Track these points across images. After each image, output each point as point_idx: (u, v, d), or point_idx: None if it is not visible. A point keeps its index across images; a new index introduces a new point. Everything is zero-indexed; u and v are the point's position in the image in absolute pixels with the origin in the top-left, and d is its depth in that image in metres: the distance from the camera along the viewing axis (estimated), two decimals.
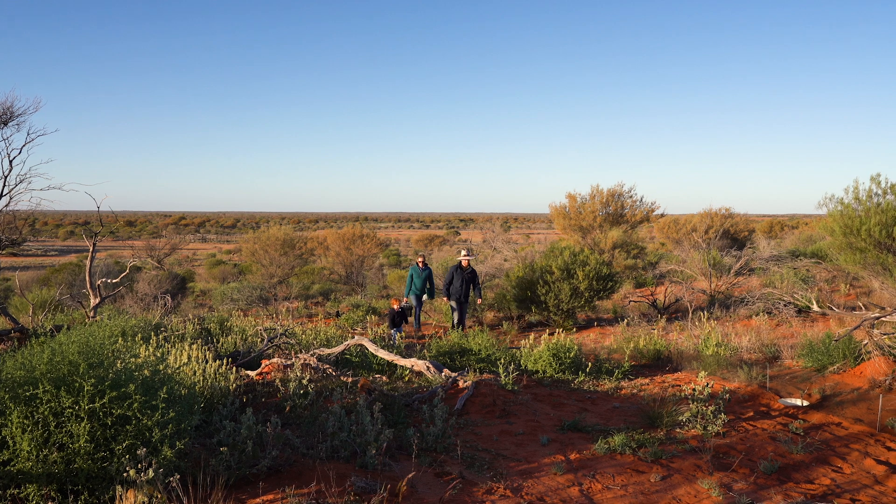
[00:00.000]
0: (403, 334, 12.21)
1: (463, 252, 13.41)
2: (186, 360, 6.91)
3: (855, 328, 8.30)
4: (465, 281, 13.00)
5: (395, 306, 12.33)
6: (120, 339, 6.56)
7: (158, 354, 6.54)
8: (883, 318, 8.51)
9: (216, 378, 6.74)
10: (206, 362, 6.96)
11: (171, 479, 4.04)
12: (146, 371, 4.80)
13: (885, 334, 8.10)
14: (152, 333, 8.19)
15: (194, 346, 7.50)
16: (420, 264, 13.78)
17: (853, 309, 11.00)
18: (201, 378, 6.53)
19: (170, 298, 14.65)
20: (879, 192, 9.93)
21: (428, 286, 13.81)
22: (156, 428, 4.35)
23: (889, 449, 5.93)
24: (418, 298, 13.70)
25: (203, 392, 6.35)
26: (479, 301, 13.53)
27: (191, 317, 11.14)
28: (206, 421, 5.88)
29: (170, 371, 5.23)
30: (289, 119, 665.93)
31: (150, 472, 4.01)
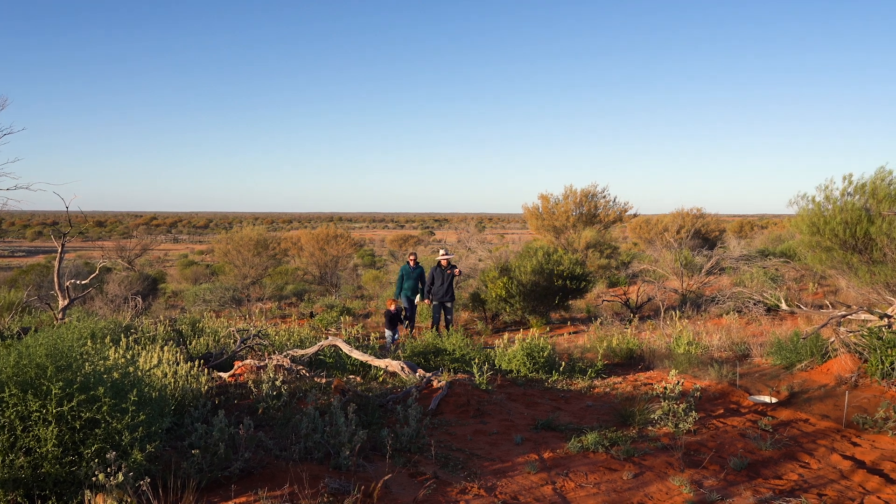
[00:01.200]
0: (400, 336, 11.91)
1: (441, 252, 13.13)
2: (157, 362, 6.83)
3: (822, 326, 8.45)
4: (445, 280, 12.79)
5: (392, 307, 12.03)
6: (89, 341, 6.47)
7: (128, 356, 6.45)
8: (849, 317, 8.69)
9: (188, 380, 6.67)
10: (178, 364, 6.88)
11: (142, 482, 3.99)
12: (116, 374, 4.73)
13: (851, 332, 8.26)
14: (122, 335, 8.08)
15: (165, 348, 7.41)
16: (411, 263, 13.21)
17: (820, 307, 11.20)
18: (172, 380, 6.45)
19: (140, 300, 14.46)
20: (851, 191, 10.13)
21: (420, 286, 13.17)
22: (126, 431, 4.29)
23: (855, 444, 6.04)
24: (410, 300, 13.08)
25: (174, 394, 6.27)
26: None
27: (162, 318, 11.00)
28: (178, 423, 5.81)
29: (140, 373, 5.16)
30: (262, 119, 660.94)
31: (120, 476, 3.95)
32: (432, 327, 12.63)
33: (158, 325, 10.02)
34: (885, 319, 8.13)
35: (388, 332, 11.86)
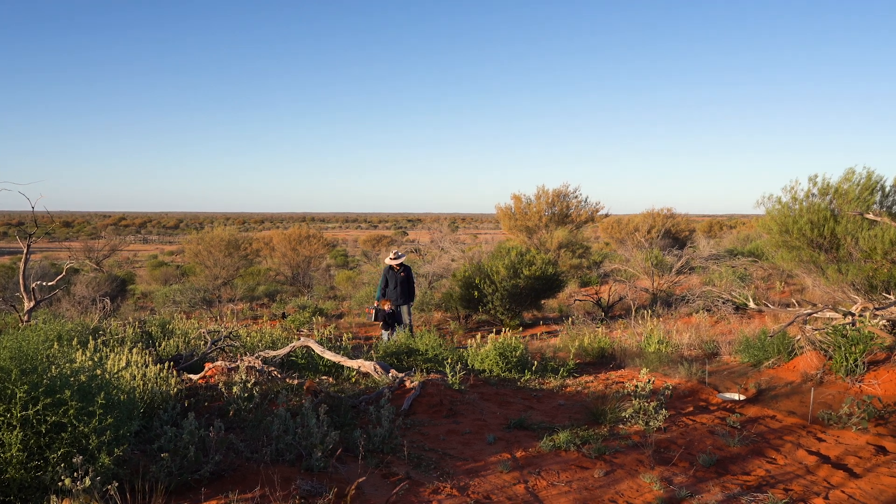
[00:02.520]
0: (395, 333, 11.85)
1: (392, 254, 12.90)
2: (125, 365, 6.73)
3: (788, 324, 8.60)
4: (399, 283, 12.61)
5: (387, 307, 12.09)
6: (55, 343, 6.36)
7: (96, 359, 6.35)
8: (815, 315, 8.84)
9: (157, 382, 6.58)
10: (147, 366, 6.79)
11: (109, 486, 3.93)
12: (83, 376, 4.66)
13: (816, 330, 8.41)
14: (90, 337, 7.95)
15: (134, 350, 7.31)
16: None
17: (787, 306, 11.38)
18: (141, 383, 6.36)
19: (109, 301, 14.25)
20: (816, 191, 10.34)
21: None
22: (93, 435, 4.23)
23: (820, 440, 6.16)
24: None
25: (143, 397, 6.19)
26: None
27: (131, 320, 10.83)
28: (147, 426, 5.74)
29: (108, 376, 5.09)
30: (234, 119, 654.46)
31: (87, 481, 3.89)
32: (385, 328, 12.48)
33: (127, 326, 9.86)
34: (849, 317, 8.30)
35: (384, 332, 11.98)
